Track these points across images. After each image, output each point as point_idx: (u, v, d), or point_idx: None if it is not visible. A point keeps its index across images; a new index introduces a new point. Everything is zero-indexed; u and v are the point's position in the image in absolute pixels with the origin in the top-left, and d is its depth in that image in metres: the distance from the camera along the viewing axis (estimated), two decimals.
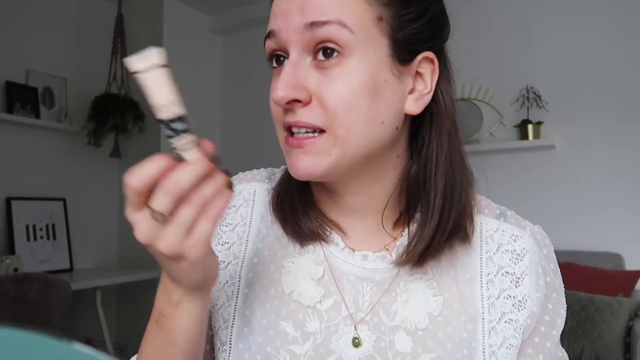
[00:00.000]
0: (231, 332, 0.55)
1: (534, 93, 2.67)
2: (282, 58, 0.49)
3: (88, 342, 2.92)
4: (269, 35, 0.49)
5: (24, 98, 2.88)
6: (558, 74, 2.66)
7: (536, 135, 2.63)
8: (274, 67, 0.50)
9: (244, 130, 3.69)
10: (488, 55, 2.82)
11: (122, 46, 3.33)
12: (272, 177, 0.63)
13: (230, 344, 0.55)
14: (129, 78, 3.34)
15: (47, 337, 0.21)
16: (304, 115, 0.47)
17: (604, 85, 2.55)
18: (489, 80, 2.81)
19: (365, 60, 0.46)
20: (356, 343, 0.51)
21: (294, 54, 0.47)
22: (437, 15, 0.51)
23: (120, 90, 3.27)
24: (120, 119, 3.07)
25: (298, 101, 0.46)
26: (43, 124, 2.92)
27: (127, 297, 3.37)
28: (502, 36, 2.81)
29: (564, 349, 0.56)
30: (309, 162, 0.47)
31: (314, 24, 0.45)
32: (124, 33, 3.36)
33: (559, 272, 0.57)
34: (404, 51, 0.49)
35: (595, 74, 2.57)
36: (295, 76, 0.46)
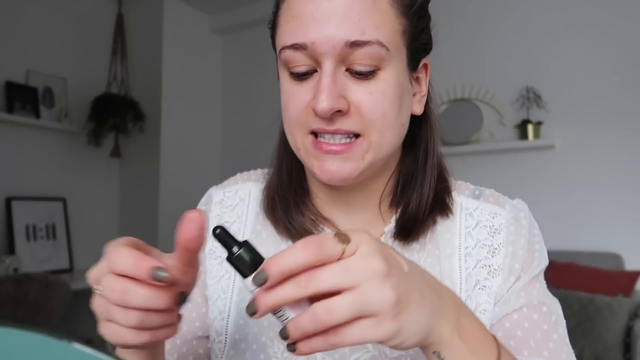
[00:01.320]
0: (227, 323, 0.58)
1: (534, 93, 2.67)
2: (306, 67, 0.49)
3: (88, 342, 2.91)
4: (295, 47, 0.48)
5: (24, 98, 2.88)
6: (558, 74, 2.66)
7: (536, 135, 2.63)
8: (298, 77, 0.50)
9: (244, 130, 3.68)
10: (489, 55, 2.82)
11: (122, 46, 3.34)
12: (267, 176, 0.65)
13: (226, 334, 0.58)
14: (129, 78, 3.35)
15: (47, 337, 0.21)
16: (343, 124, 0.48)
17: (604, 85, 2.55)
18: (489, 80, 2.81)
19: (395, 71, 0.49)
20: None
21: (328, 64, 0.47)
22: (430, 26, 0.56)
23: (120, 90, 3.27)
24: (120, 119, 3.07)
25: (339, 111, 0.48)
26: (43, 124, 2.92)
27: None
28: (502, 36, 2.81)
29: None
30: (346, 168, 0.50)
31: (354, 44, 0.46)
32: (124, 33, 3.36)
33: (541, 242, 0.58)
34: (414, 60, 0.53)
35: (595, 74, 2.57)
36: (335, 86, 0.47)
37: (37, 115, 2.92)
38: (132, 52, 3.42)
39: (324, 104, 0.46)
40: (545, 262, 0.57)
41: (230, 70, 3.83)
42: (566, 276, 2.25)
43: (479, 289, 0.54)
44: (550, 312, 0.53)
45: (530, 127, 2.63)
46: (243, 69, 3.75)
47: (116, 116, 3.05)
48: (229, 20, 3.68)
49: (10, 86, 2.82)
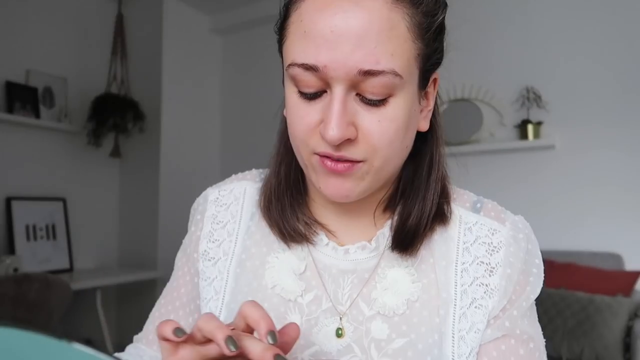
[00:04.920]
0: None
1: (534, 93, 2.67)
2: (316, 89, 0.48)
3: (88, 342, 2.91)
4: (305, 67, 0.46)
5: (24, 98, 2.88)
6: (558, 74, 2.66)
7: (536, 135, 2.63)
8: (307, 97, 0.48)
9: (243, 130, 3.69)
10: (488, 55, 2.82)
11: (122, 46, 3.34)
12: (262, 176, 0.65)
13: None
14: (129, 78, 3.35)
15: (47, 337, 0.21)
16: (349, 151, 0.47)
17: (604, 85, 2.55)
18: (489, 80, 2.81)
19: (407, 97, 0.48)
20: (339, 334, 0.54)
21: (339, 90, 0.46)
22: (444, 41, 0.53)
23: (120, 90, 3.27)
24: (120, 119, 3.07)
25: (347, 139, 0.47)
26: (43, 124, 2.92)
27: (127, 297, 3.37)
28: (502, 36, 2.81)
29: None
30: (346, 187, 0.50)
31: (368, 73, 0.44)
32: (124, 33, 3.36)
33: (539, 266, 0.56)
34: (425, 78, 0.51)
35: (595, 74, 2.57)
36: (345, 114, 0.46)
37: (37, 115, 2.92)
38: (132, 52, 3.42)
39: (334, 132, 0.45)
40: (538, 290, 0.55)
41: (229, 70, 3.84)
42: (566, 276, 2.25)
43: (475, 307, 0.53)
44: (535, 349, 0.53)
45: (530, 127, 2.63)
46: (242, 69, 3.75)
47: (116, 116, 3.05)
48: (228, 21, 3.68)
49: (10, 86, 2.82)
